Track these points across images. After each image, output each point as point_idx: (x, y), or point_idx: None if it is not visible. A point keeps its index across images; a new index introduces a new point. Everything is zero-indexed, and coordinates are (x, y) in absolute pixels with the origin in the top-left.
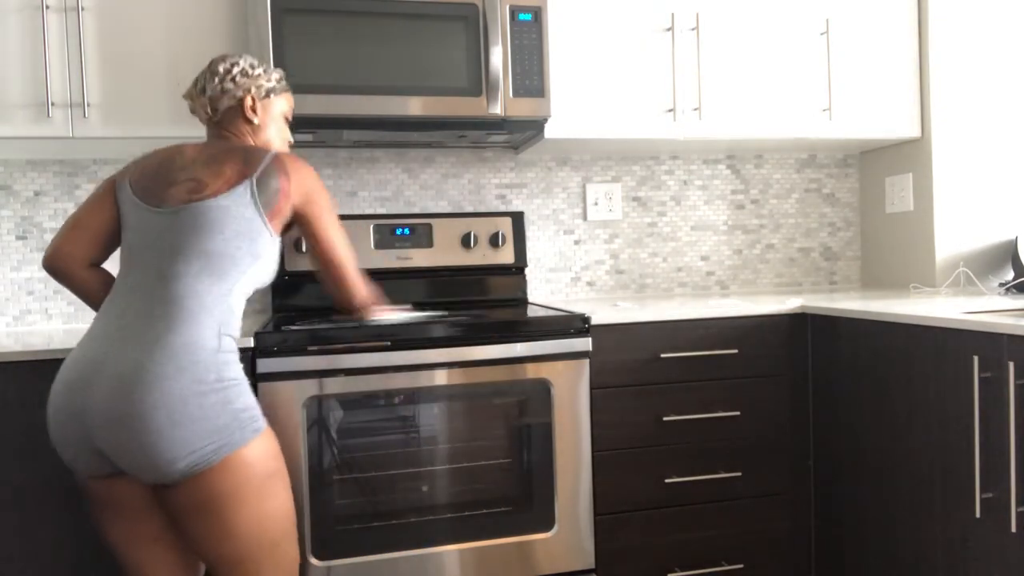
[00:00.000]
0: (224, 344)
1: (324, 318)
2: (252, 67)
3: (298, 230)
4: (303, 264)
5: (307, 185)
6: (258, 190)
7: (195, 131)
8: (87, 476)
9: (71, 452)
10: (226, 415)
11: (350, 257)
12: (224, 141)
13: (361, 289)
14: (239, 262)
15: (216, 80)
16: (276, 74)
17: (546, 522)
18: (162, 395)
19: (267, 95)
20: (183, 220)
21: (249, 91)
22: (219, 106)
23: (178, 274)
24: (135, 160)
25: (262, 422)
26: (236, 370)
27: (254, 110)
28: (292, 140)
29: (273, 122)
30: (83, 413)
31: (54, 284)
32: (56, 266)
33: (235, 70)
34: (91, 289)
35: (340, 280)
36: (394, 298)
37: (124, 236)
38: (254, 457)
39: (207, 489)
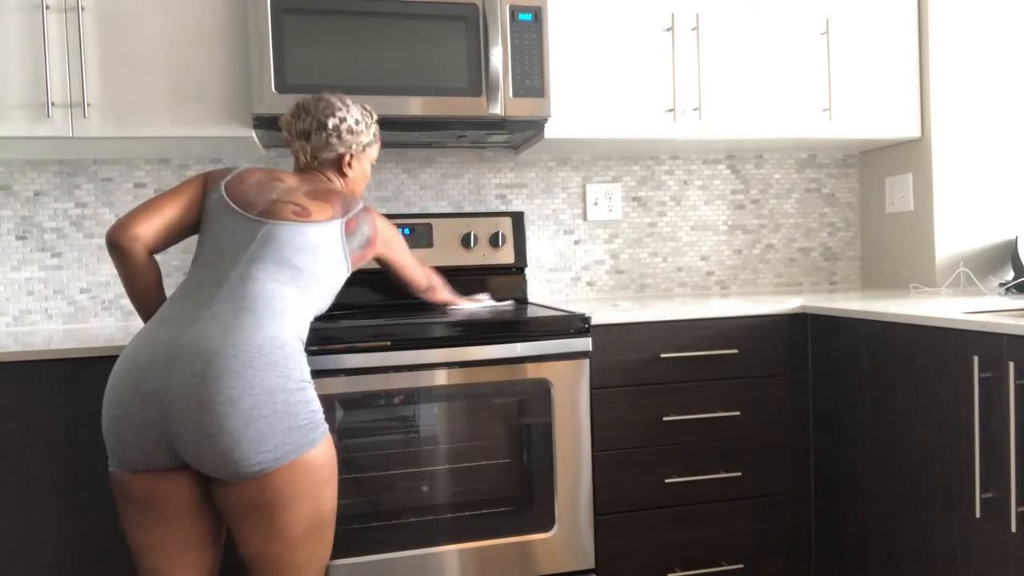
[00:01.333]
0: (301, 347)
1: (325, 318)
2: (357, 123)
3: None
4: None
5: (387, 236)
6: (346, 232)
7: (195, 132)
8: (136, 469)
9: (131, 436)
10: (305, 415)
11: (420, 270)
12: (320, 181)
13: (437, 289)
14: (320, 283)
15: (323, 134)
16: (374, 127)
17: (546, 522)
18: (250, 384)
19: (363, 149)
20: (283, 233)
21: (351, 148)
22: (320, 155)
23: (269, 279)
24: (229, 168)
25: (327, 425)
26: (309, 373)
27: (350, 165)
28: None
29: (362, 175)
30: (159, 394)
31: (54, 284)
32: (119, 242)
33: (343, 127)
34: (145, 275)
35: (419, 290)
36: (393, 299)
37: (209, 233)
38: (320, 460)
39: (274, 487)
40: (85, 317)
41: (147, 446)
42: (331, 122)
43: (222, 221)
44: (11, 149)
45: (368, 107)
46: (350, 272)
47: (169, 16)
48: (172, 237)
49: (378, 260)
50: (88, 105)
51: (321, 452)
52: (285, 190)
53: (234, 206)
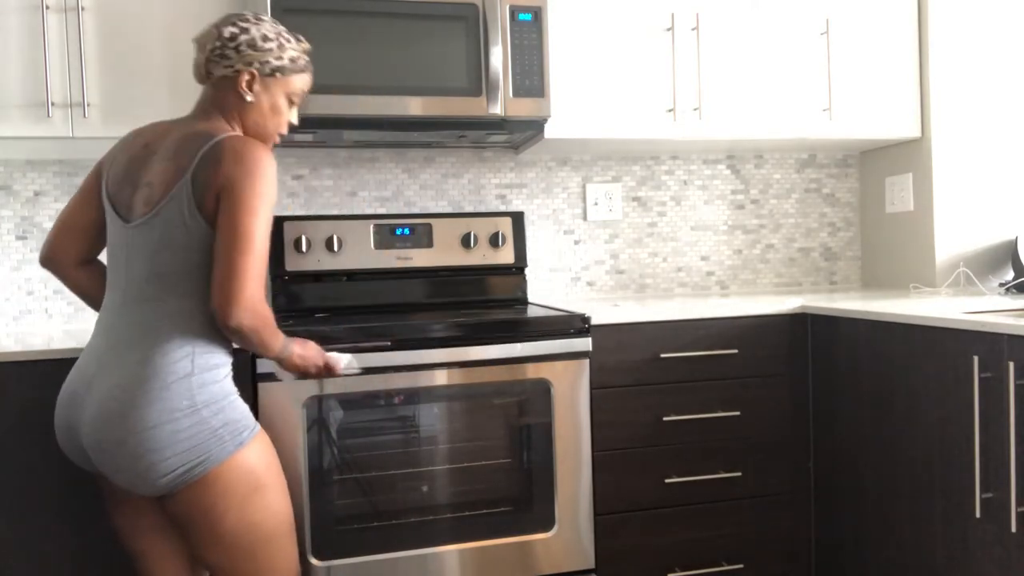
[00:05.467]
0: (199, 364)
1: (324, 318)
2: (265, 39)
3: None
4: (302, 264)
5: (231, 172)
6: (192, 187)
7: None
8: (92, 472)
9: (73, 456)
10: (202, 435)
11: (232, 273)
12: (199, 121)
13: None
14: (194, 274)
15: (218, 44)
16: (294, 52)
17: (546, 522)
18: (137, 422)
19: (272, 73)
20: (140, 238)
21: (250, 65)
22: (212, 71)
23: (144, 298)
24: (121, 142)
25: (247, 434)
26: (214, 390)
27: (250, 87)
28: (294, 123)
29: (270, 105)
30: (75, 430)
31: (54, 284)
32: (50, 266)
33: (242, 38)
34: (85, 288)
35: (212, 299)
36: (395, 298)
37: (107, 243)
38: (237, 469)
39: (190, 502)
40: (85, 317)
41: (87, 463)
42: (227, 31)
43: (108, 227)
44: (11, 149)
45: (301, 37)
46: (212, 224)
47: (169, 16)
48: (95, 242)
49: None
50: (88, 105)
51: (235, 466)
52: (148, 164)
53: (111, 209)
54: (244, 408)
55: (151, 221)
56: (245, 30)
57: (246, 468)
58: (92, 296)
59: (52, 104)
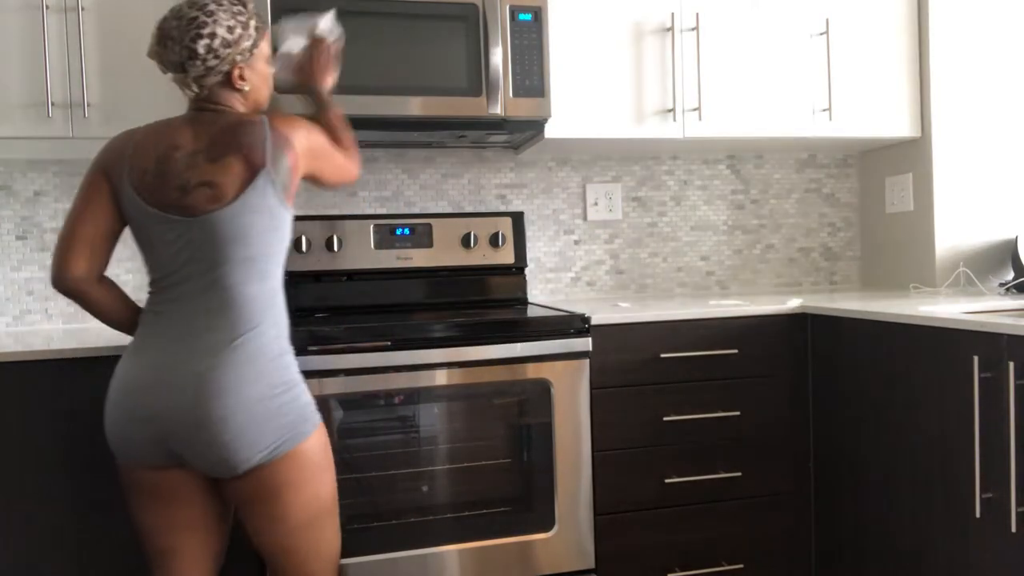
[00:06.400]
0: (284, 347)
1: (324, 318)
2: (231, 30)
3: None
4: (303, 264)
5: (307, 144)
6: (275, 177)
7: None
8: (143, 467)
9: (135, 451)
10: (294, 412)
11: (350, 162)
12: (215, 119)
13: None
14: (276, 255)
15: (198, 63)
16: (253, 20)
17: (546, 522)
18: (236, 403)
19: (251, 53)
20: (214, 230)
21: (235, 62)
22: (206, 83)
23: (228, 284)
24: (118, 148)
25: (319, 416)
26: (295, 370)
27: (243, 78)
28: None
29: (260, 77)
30: (157, 418)
31: None
32: (67, 287)
33: (216, 44)
34: (107, 303)
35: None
36: (395, 298)
37: (145, 243)
38: (314, 449)
39: (270, 477)
40: (85, 317)
41: (152, 454)
42: (201, 45)
43: (149, 228)
44: (11, 149)
45: None
46: (291, 210)
47: None
48: (108, 253)
49: (309, 178)
50: (88, 105)
51: (314, 443)
52: (186, 164)
53: (152, 209)
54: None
55: (223, 216)
56: (213, 35)
57: (320, 445)
58: (115, 310)
59: (52, 104)
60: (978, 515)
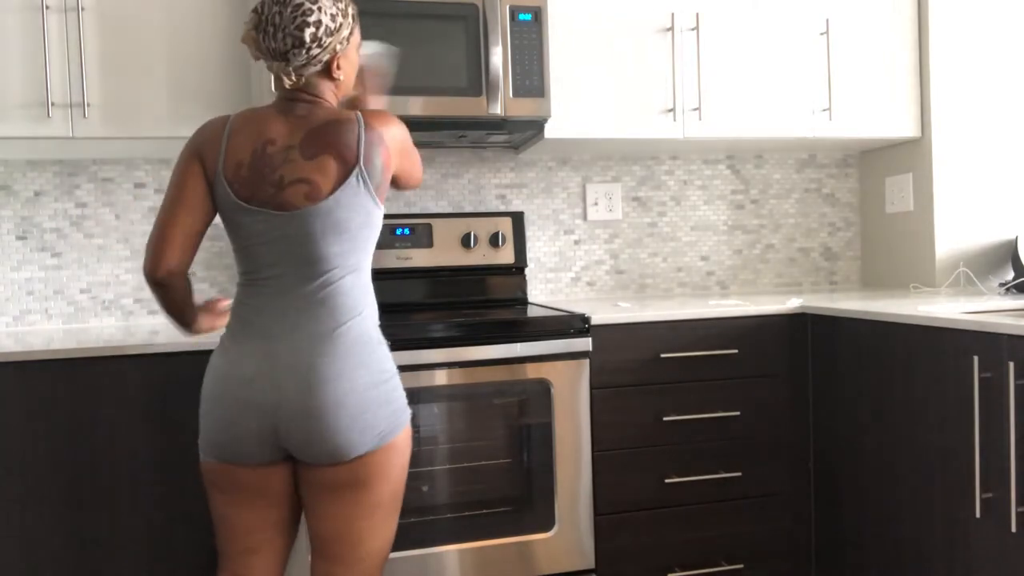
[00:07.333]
0: (380, 335)
1: None
2: (334, 18)
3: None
4: None
5: (399, 141)
6: (368, 176)
7: (194, 129)
8: (245, 465)
9: (241, 447)
10: (396, 402)
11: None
12: (309, 106)
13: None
14: (368, 248)
15: (302, 51)
16: (350, 7)
17: (546, 522)
18: (346, 392)
19: (348, 41)
20: (310, 224)
21: (335, 51)
22: (305, 72)
23: (326, 276)
24: (214, 135)
25: (410, 409)
26: (391, 360)
27: (339, 67)
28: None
29: (353, 68)
30: (264, 407)
31: (54, 284)
32: (159, 279)
33: (321, 32)
34: (183, 297)
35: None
36: (395, 298)
37: (241, 237)
38: (407, 440)
39: (371, 465)
40: (85, 317)
41: (259, 449)
42: (308, 34)
43: (246, 224)
44: (11, 149)
45: None
46: (382, 207)
47: (169, 16)
48: (197, 244)
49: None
50: (88, 105)
51: (408, 433)
52: (282, 159)
53: (247, 205)
54: None
55: (319, 210)
56: (319, 23)
57: (410, 436)
58: (189, 304)
59: (52, 104)
60: (978, 515)
